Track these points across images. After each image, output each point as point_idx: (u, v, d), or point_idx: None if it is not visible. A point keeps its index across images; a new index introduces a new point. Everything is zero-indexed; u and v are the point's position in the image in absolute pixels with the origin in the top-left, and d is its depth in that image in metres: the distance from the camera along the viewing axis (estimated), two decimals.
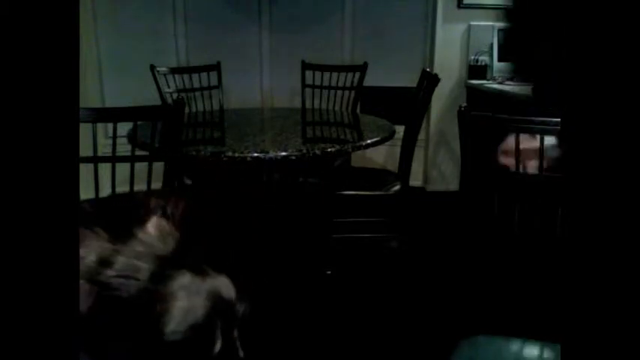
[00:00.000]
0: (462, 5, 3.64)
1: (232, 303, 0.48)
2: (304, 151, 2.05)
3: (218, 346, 0.47)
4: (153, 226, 0.47)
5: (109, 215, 0.48)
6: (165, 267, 0.45)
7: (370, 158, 3.61)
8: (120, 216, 0.48)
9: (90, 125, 1.69)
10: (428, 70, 2.78)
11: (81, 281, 0.44)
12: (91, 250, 0.45)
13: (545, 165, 1.37)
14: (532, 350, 1.15)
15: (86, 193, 1.34)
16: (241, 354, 0.49)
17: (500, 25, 3.45)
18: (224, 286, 0.48)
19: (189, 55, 3.55)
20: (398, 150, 2.71)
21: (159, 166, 1.78)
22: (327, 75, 3.26)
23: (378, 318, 2.03)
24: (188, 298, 0.45)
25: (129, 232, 0.46)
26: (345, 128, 2.98)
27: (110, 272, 0.44)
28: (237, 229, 0.53)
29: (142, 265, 0.45)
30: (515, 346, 1.16)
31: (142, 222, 0.47)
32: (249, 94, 3.68)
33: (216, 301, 0.47)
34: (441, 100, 3.66)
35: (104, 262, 0.45)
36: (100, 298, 0.44)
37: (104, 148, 2.12)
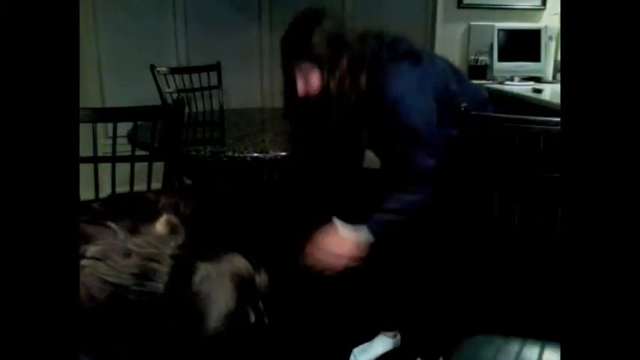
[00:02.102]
0: (461, 5, 3.63)
1: (252, 277, 0.50)
2: None
3: (252, 318, 0.49)
4: (164, 222, 0.48)
5: (121, 212, 0.48)
6: (182, 264, 0.46)
7: (370, 158, 3.60)
8: (132, 213, 0.48)
9: (90, 125, 1.69)
10: None
11: (92, 278, 0.44)
12: (105, 248, 0.45)
13: None
14: (532, 350, 1.15)
15: (86, 193, 1.34)
16: (266, 321, 0.51)
17: (501, 25, 3.45)
18: (240, 263, 0.49)
19: (189, 55, 3.55)
20: None
21: (159, 166, 1.78)
22: None
23: (377, 317, 2.03)
24: (217, 291, 0.47)
25: (142, 229, 0.47)
26: None
27: (126, 274, 0.45)
28: (241, 222, 0.54)
29: (158, 266, 0.45)
30: (515, 345, 1.16)
31: (154, 219, 0.48)
32: (249, 94, 3.67)
33: (239, 280, 0.48)
34: None
35: (119, 262, 0.45)
36: (114, 297, 0.44)
37: (104, 148, 2.12)
